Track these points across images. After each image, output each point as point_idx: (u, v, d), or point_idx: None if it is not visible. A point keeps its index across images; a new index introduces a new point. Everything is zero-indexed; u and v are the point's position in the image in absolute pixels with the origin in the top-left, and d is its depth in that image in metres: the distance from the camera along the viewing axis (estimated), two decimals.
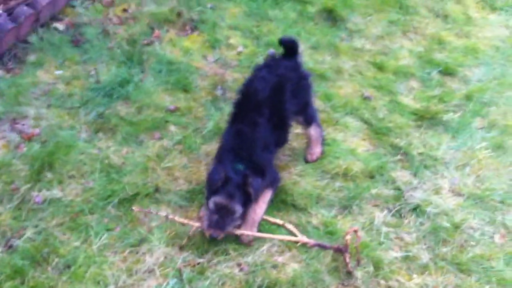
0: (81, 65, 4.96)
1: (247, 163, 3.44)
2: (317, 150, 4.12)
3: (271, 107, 3.64)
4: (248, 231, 3.42)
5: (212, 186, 3.33)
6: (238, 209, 3.33)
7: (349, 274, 3.28)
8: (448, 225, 3.67)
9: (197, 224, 3.41)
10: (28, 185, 3.71)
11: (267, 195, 3.61)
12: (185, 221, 3.46)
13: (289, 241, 3.45)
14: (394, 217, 3.73)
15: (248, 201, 3.38)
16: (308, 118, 4.04)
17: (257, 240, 3.46)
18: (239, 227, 3.45)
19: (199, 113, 4.53)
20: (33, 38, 5.15)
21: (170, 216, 3.47)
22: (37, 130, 4.21)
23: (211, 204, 3.32)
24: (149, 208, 3.59)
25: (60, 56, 5.04)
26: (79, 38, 5.27)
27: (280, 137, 3.82)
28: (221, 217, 3.31)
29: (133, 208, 3.54)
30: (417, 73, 5.32)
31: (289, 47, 3.94)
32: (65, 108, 4.47)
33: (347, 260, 3.26)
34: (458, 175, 4.13)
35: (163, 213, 3.50)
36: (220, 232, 3.33)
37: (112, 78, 4.73)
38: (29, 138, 4.12)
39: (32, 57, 5.01)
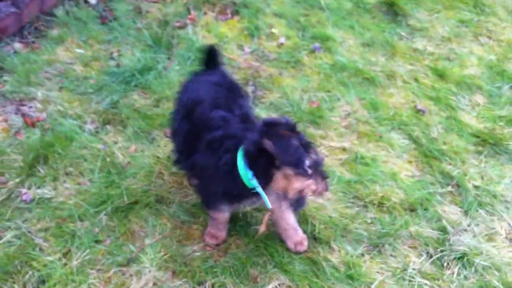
0: (104, 45, 4.51)
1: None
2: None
3: None
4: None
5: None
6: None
7: None
8: (499, 284, 2.97)
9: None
10: (18, 180, 3.30)
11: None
12: None
13: None
14: (434, 265, 3.06)
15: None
16: None
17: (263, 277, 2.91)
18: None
19: None
20: (58, 11, 4.75)
21: None
22: (43, 115, 3.80)
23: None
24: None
25: (84, 33, 4.61)
26: (108, 15, 4.81)
27: None
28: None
29: None
30: (485, 86, 4.51)
31: (209, 56, 3.22)
32: (77, 93, 4.03)
33: None
34: None
35: None
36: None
37: (134, 63, 4.25)
38: (33, 124, 3.71)
39: (54, 32, 4.59)
